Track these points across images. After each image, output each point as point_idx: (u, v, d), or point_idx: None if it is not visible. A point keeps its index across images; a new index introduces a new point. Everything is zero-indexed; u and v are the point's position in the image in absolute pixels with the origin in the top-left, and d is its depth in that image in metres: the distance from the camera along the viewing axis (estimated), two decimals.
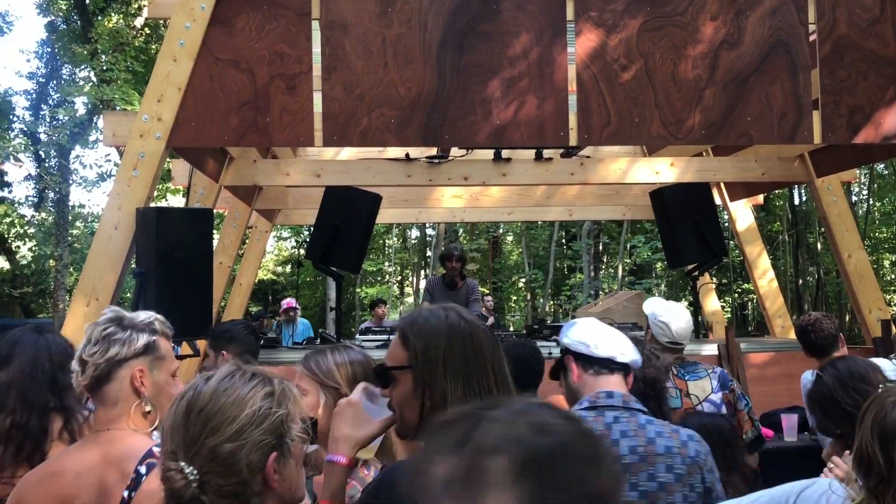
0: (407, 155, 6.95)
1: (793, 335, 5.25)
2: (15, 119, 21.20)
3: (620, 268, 21.57)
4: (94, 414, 2.04)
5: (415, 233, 26.16)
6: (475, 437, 0.83)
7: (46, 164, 20.93)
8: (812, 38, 5.08)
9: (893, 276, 22.54)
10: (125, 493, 1.80)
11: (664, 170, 7.08)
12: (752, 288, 13.38)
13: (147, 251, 4.75)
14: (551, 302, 23.38)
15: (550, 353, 4.48)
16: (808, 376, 3.97)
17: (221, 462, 1.43)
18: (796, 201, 21.18)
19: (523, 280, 25.07)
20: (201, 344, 5.09)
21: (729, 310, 20.85)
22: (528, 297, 24.85)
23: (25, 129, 21.02)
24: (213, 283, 5.14)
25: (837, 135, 5.06)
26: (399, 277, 27.84)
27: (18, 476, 2.05)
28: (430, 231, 25.12)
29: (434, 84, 4.84)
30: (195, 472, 1.43)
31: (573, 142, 5.04)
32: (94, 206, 26.85)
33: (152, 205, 5.18)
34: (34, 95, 21.92)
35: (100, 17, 19.18)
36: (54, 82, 22.09)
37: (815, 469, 2.82)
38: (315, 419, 1.82)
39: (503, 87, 4.89)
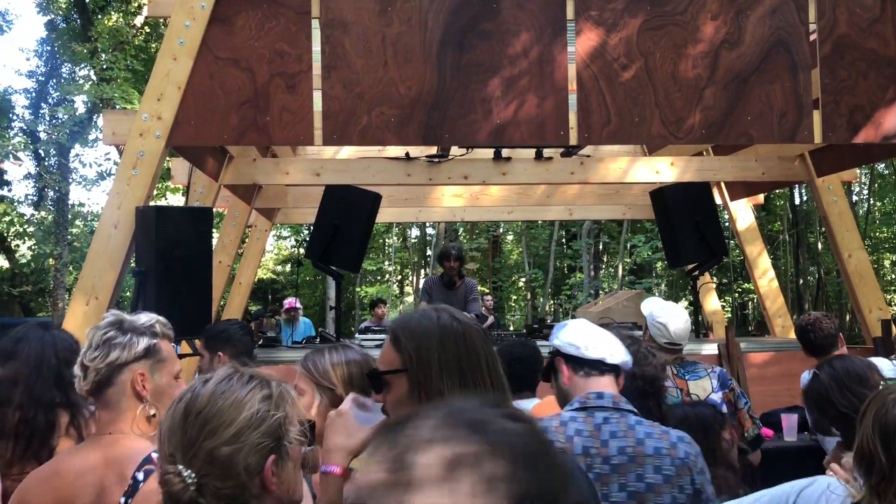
0: (407, 154, 6.94)
1: (793, 335, 5.25)
2: (15, 118, 21.21)
3: (620, 267, 21.57)
4: (97, 416, 2.04)
5: (415, 232, 26.16)
6: (406, 436, 0.80)
7: (46, 163, 20.93)
8: (812, 37, 5.07)
9: (894, 276, 22.54)
10: (122, 500, 1.80)
11: (664, 169, 7.08)
12: (752, 287, 13.38)
13: (146, 250, 4.74)
14: (551, 301, 23.38)
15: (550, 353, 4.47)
16: (807, 376, 3.96)
17: (219, 465, 1.43)
18: (797, 201, 21.18)
19: (523, 279, 25.06)
20: (198, 343, 5.09)
21: (729, 309, 20.85)
22: (528, 296, 24.84)
23: (25, 127, 21.02)
24: (212, 282, 5.13)
25: (838, 134, 5.06)
26: (399, 277, 27.83)
27: (27, 472, 2.06)
28: (430, 230, 25.13)
29: (434, 83, 4.83)
30: (193, 474, 1.42)
31: (573, 141, 5.03)
32: (94, 205, 26.85)
33: (152, 203, 5.18)
34: (34, 94, 21.92)
35: (99, 16, 19.18)
36: (54, 81, 22.09)
37: (815, 469, 2.82)
38: (313, 421, 1.82)
39: (503, 86, 4.89)
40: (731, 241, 11.47)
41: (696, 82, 4.98)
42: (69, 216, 21.25)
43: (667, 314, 3.83)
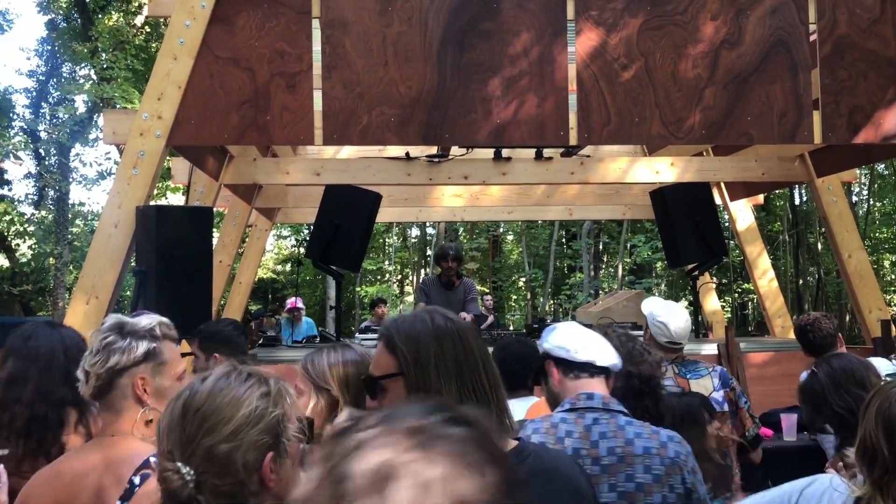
0: (407, 154, 6.95)
1: (792, 335, 5.25)
2: (15, 117, 21.21)
3: (620, 267, 21.57)
4: (100, 419, 2.04)
5: (415, 231, 26.16)
6: (343, 446, 0.79)
7: (46, 162, 20.93)
8: (812, 37, 5.08)
9: (893, 277, 22.54)
10: (117, 503, 1.80)
11: (664, 169, 7.08)
12: (752, 288, 13.38)
13: (147, 249, 4.75)
14: (551, 301, 23.37)
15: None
16: (806, 376, 3.96)
17: (218, 462, 1.43)
18: (796, 201, 21.18)
19: (523, 279, 25.06)
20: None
21: (729, 309, 20.85)
22: (528, 296, 24.84)
23: (25, 127, 21.02)
24: (212, 281, 5.13)
25: (837, 135, 5.06)
26: (399, 276, 27.83)
27: (37, 469, 2.07)
28: (430, 230, 25.13)
29: (434, 83, 4.83)
30: (191, 472, 1.42)
31: (573, 141, 5.03)
32: (94, 205, 26.87)
33: (152, 203, 5.18)
34: (34, 93, 21.92)
35: (100, 16, 19.18)
36: (54, 80, 22.09)
37: (814, 469, 2.82)
38: (312, 419, 1.82)
39: (503, 85, 4.89)
40: (731, 242, 11.47)
41: (696, 82, 4.98)
42: (69, 215, 21.25)
43: (667, 313, 3.84)
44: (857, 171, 11.13)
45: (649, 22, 4.97)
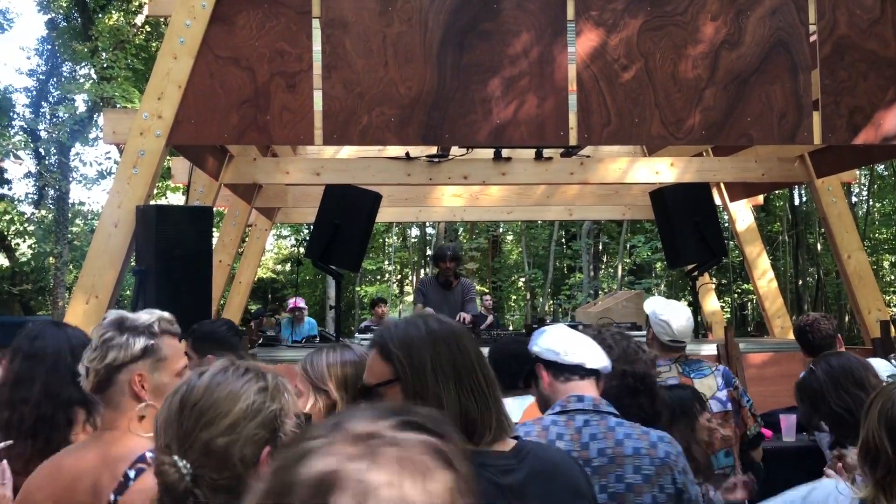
0: (407, 154, 6.95)
1: (792, 336, 5.25)
2: (15, 116, 21.20)
3: (620, 267, 21.58)
4: (102, 414, 2.05)
5: (415, 231, 26.17)
6: (292, 452, 0.78)
7: (46, 162, 20.93)
8: (812, 38, 5.08)
9: (893, 278, 22.55)
10: (111, 497, 1.80)
11: (664, 170, 7.08)
12: (751, 288, 13.38)
13: (147, 249, 4.75)
14: (551, 301, 23.37)
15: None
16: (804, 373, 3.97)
17: (215, 456, 1.43)
18: (796, 202, 21.19)
19: (523, 279, 25.06)
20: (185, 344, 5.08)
21: (728, 310, 20.84)
22: (528, 296, 24.85)
23: (25, 126, 21.02)
24: (212, 281, 5.14)
25: (837, 135, 5.06)
26: (399, 276, 27.84)
27: None
28: (429, 230, 25.13)
29: (434, 83, 4.84)
30: (188, 465, 1.43)
31: (573, 141, 5.04)
32: (94, 204, 26.87)
33: (152, 202, 5.18)
34: (34, 93, 21.92)
35: (100, 15, 19.17)
36: (54, 79, 22.08)
37: (813, 469, 2.83)
38: (309, 414, 1.82)
39: (503, 86, 4.90)
40: (731, 242, 11.47)
41: (696, 83, 4.98)
42: (69, 215, 21.25)
43: (669, 312, 3.84)
44: (857, 172, 11.13)
45: (649, 22, 4.97)
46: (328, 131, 4.82)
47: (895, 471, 1.69)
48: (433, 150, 6.82)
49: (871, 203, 22.01)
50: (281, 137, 5.01)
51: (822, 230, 14.62)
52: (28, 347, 2.51)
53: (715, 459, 3.49)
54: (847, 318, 19.16)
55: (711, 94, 4.98)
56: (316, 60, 4.85)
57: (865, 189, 21.70)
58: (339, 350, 2.31)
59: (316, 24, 4.85)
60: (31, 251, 23.44)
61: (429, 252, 23.64)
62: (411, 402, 1.59)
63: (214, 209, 6.47)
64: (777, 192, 16.90)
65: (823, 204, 6.80)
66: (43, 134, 20.64)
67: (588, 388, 2.29)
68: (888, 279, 22.07)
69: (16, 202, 23.18)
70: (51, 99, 21.98)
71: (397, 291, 27.02)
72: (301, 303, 10.72)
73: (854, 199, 20.70)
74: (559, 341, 2.34)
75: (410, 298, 25.91)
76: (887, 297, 19.96)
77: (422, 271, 25.49)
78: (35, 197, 22.83)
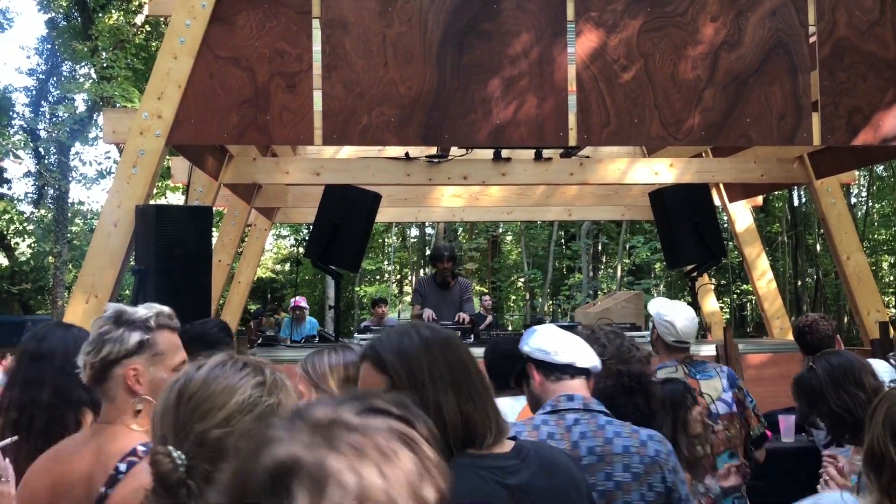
0: (406, 154, 6.96)
1: (791, 336, 5.26)
2: (15, 115, 21.21)
3: (619, 268, 21.58)
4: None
5: (414, 231, 26.17)
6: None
7: (46, 161, 20.93)
8: (812, 39, 5.09)
9: (892, 278, 22.56)
10: (102, 490, 1.81)
11: (663, 170, 7.09)
12: (750, 289, 13.39)
13: (146, 248, 4.75)
14: (550, 301, 23.37)
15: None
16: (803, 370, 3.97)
17: (209, 448, 1.44)
18: (795, 203, 21.20)
19: (522, 280, 25.07)
20: None
21: (727, 311, 20.85)
22: (527, 296, 24.85)
23: (25, 125, 21.02)
24: (212, 280, 5.14)
25: (837, 136, 5.07)
26: (398, 276, 27.85)
27: None
28: (429, 230, 25.14)
29: (434, 83, 4.84)
30: (183, 456, 1.43)
31: (573, 142, 5.04)
32: (94, 203, 26.85)
33: (152, 202, 5.19)
34: (34, 92, 21.92)
35: (100, 14, 19.18)
36: (54, 79, 22.09)
37: (812, 469, 2.83)
38: None
39: (503, 86, 4.90)
40: (730, 243, 11.48)
41: (696, 84, 4.99)
42: (69, 214, 21.25)
43: (673, 312, 3.83)
44: (856, 173, 11.14)
45: (649, 23, 4.98)
46: (328, 131, 4.83)
47: None
48: (433, 150, 6.83)
49: (870, 204, 22.02)
50: (281, 137, 5.02)
51: (822, 231, 14.63)
52: (35, 349, 2.52)
53: (719, 460, 3.52)
54: (846, 319, 19.16)
55: (711, 94, 4.99)
56: (316, 60, 4.86)
57: (865, 190, 21.71)
58: (340, 351, 2.31)
59: (316, 24, 4.86)
60: (30, 250, 23.46)
61: (428, 252, 23.65)
62: None
63: (214, 209, 6.47)
64: (776, 192, 16.91)
65: (822, 205, 6.80)
66: (42, 133, 20.65)
67: (578, 387, 2.30)
68: (887, 280, 22.09)
69: (15, 201, 23.19)
70: (50, 98, 22.00)
71: (396, 291, 27.02)
72: (302, 302, 10.70)
73: (853, 200, 20.72)
74: (549, 341, 2.34)
75: (409, 298, 25.93)
76: (886, 299, 19.98)
77: (421, 271, 25.48)
78: (34, 196, 22.84)
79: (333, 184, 6.61)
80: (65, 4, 20.56)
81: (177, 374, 2.02)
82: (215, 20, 4.80)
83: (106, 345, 1.96)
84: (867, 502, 1.77)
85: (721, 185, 8.21)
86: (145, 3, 7.93)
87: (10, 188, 23.02)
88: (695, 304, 7.68)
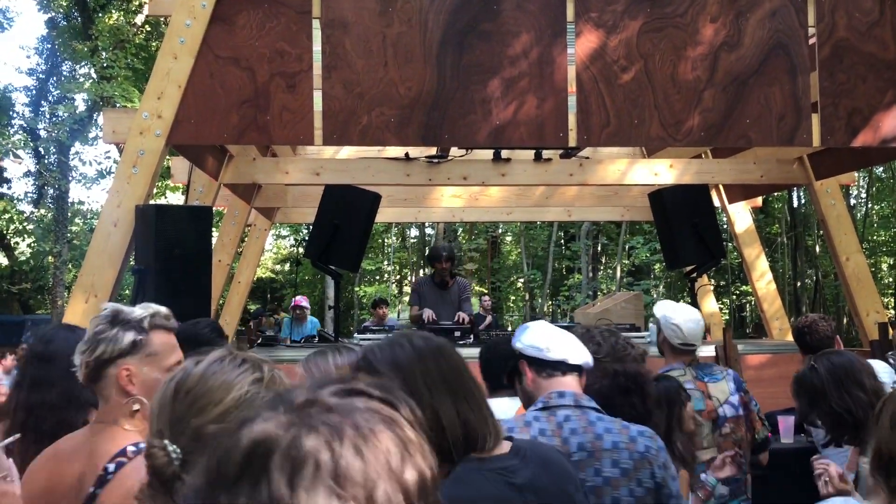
0: (406, 154, 6.96)
1: (790, 337, 5.26)
2: (14, 115, 21.21)
3: (619, 269, 21.59)
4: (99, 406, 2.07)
5: (414, 232, 26.18)
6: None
7: (46, 161, 20.93)
8: (811, 40, 5.09)
9: (891, 280, 22.57)
10: (90, 489, 1.81)
11: (663, 171, 7.10)
12: (750, 290, 13.39)
13: (146, 248, 4.75)
14: (549, 302, 23.38)
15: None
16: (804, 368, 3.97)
17: (205, 442, 1.44)
18: (795, 204, 21.21)
19: (522, 280, 25.08)
20: None
21: (727, 312, 20.86)
22: (527, 297, 24.85)
23: (25, 125, 21.02)
24: (211, 280, 5.14)
25: (836, 137, 5.07)
26: (398, 277, 27.86)
27: None
28: (429, 230, 25.15)
29: (434, 83, 4.84)
30: (178, 450, 1.43)
31: (572, 142, 5.05)
32: (94, 203, 26.87)
33: (151, 202, 5.19)
34: (34, 92, 21.92)
35: (100, 14, 19.18)
36: (54, 79, 22.09)
37: (811, 470, 2.84)
38: None
39: (503, 86, 4.90)
40: (729, 244, 11.48)
41: (696, 84, 4.99)
42: (69, 214, 21.25)
43: (680, 315, 3.83)
44: (856, 174, 11.15)
45: (649, 24, 4.98)
46: (328, 131, 4.83)
47: None
48: (432, 150, 6.83)
49: (869, 205, 22.03)
50: (281, 137, 5.02)
51: (821, 232, 14.63)
52: (43, 350, 2.52)
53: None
54: (845, 321, 19.17)
55: (710, 95, 4.99)
56: (316, 60, 4.86)
57: (864, 191, 21.71)
58: (343, 352, 2.30)
59: (316, 24, 4.86)
60: (30, 250, 23.45)
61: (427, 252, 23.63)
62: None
63: (214, 209, 6.47)
64: (776, 193, 16.92)
65: (822, 206, 6.81)
66: (42, 133, 20.64)
67: (570, 384, 2.31)
68: (886, 281, 22.09)
69: (15, 201, 23.19)
70: (50, 98, 22.00)
71: (396, 292, 27.03)
72: (303, 302, 10.62)
73: (853, 201, 20.73)
74: (542, 338, 2.35)
75: (408, 299, 25.92)
76: (885, 300, 19.98)
77: (421, 271, 25.49)
78: (34, 196, 22.84)
79: (333, 184, 6.61)
80: (65, 4, 20.56)
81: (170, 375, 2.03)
82: (215, 20, 4.80)
83: (100, 344, 1.96)
84: None
85: (720, 186, 8.21)
86: (145, 2, 7.93)
87: (10, 188, 23.03)
88: (694, 305, 7.64)
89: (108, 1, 19.27)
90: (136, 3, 19.02)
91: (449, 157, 6.94)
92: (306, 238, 11.60)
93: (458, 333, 6.13)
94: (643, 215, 9.21)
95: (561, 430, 2.20)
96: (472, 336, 6.22)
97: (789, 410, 5.01)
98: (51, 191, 21.20)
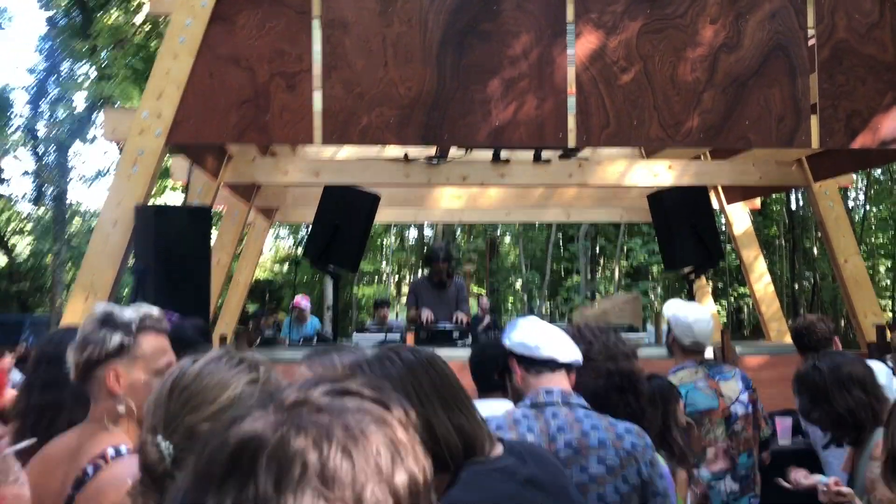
0: (406, 155, 6.96)
1: (788, 339, 5.27)
2: (14, 115, 21.21)
3: (617, 270, 21.60)
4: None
5: (413, 233, 26.18)
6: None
7: (45, 160, 20.92)
8: (811, 42, 5.10)
9: (889, 282, 22.58)
10: (69, 491, 1.81)
11: (662, 172, 7.10)
12: (748, 292, 13.40)
13: (145, 248, 4.75)
14: (548, 303, 23.39)
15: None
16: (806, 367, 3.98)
17: (198, 441, 1.44)
18: (793, 206, 21.22)
19: (520, 281, 25.08)
20: None
21: (725, 313, 20.87)
22: (525, 298, 24.86)
23: (24, 124, 21.02)
24: (210, 280, 5.14)
25: (835, 139, 5.08)
26: (396, 277, 27.85)
27: None
28: (427, 231, 25.15)
29: (434, 83, 4.85)
30: (171, 446, 1.44)
31: (572, 143, 5.05)
32: (93, 203, 26.85)
33: (151, 202, 5.19)
34: (33, 91, 21.92)
35: (100, 13, 19.17)
36: (54, 78, 22.08)
37: (810, 471, 2.84)
38: None
39: (503, 87, 4.91)
40: (728, 245, 11.49)
41: (695, 86, 5.00)
42: (68, 213, 21.24)
43: (691, 315, 3.84)
44: (854, 176, 11.17)
45: (649, 25, 4.99)
46: (328, 131, 4.83)
47: None
48: (432, 151, 6.83)
49: (867, 207, 22.03)
50: (281, 137, 5.02)
51: (819, 234, 14.64)
52: (53, 352, 2.52)
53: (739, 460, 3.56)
54: (843, 323, 19.18)
55: (710, 96, 5.00)
56: (316, 61, 4.86)
57: (862, 193, 21.73)
58: (345, 353, 2.30)
59: (316, 24, 4.86)
60: (29, 249, 23.43)
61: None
62: None
63: (213, 209, 6.47)
64: (774, 195, 16.94)
65: (820, 208, 6.81)
66: (42, 132, 20.64)
67: (559, 381, 2.32)
68: (884, 284, 22.10)
69: (14, 200, 23.18)
70: (50, 97, 21.99)
71: (395, 293, 27.02)
72: (304, 302, 10.56)
73: (851, 203, 20.74)
74: (531, 335, 2.36)
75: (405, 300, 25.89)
76: (883, 302, 20.00)
77: (419, 272, 25.49)
78: (33, 195, 22.83)
79: (333, 184, 6.61)
80: (64, 3, 20.55)
81: (158, 377, 2.02)
82: (215, 20, 4.80)
83: (88, 346, 1.97)
84: None
85: (719, 188, 8.22)
86: (145, 2, 7.93)
87: (8, 187, 23.03)
88: None
89: (108, 0, 19.27)
90: (136, 2, 19.01)
91: (448, 158, 6.94)
92: (305, 238, 11.58)
93: (456, 334, 6.13)
94: (642, 216, 9.21)
95: (548, 427, 2.21)
96: (470, 337, 6.22)
97: (786, 412, 5.02)
98: (50, 190, 21.19)
